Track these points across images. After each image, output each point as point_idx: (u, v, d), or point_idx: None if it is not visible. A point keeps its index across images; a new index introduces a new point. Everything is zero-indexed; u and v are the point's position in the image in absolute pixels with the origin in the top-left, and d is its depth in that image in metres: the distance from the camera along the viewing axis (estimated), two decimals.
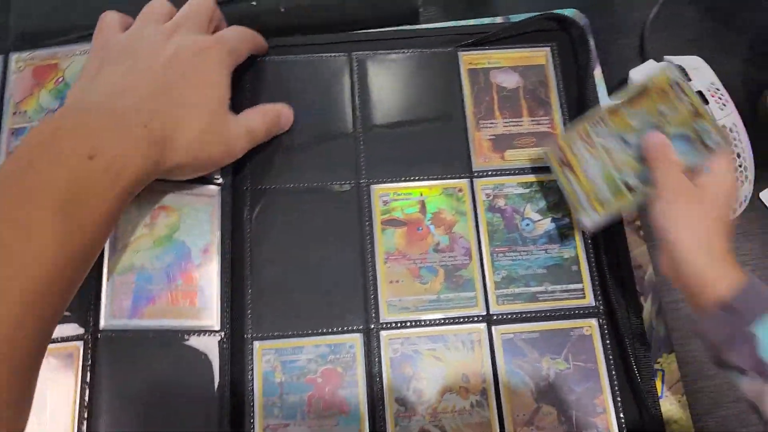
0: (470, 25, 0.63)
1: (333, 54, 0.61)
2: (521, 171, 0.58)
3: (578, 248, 0.55)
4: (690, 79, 0.57)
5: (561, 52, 0.62)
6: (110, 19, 0.52)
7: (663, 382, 0.54)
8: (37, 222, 0.38)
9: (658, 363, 0.54)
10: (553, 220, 0.56)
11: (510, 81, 0.60)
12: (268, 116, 0.55)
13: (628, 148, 0.50)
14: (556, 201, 0.56)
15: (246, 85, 0.59)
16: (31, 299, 0.38)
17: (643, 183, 0.49)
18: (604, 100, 0.60)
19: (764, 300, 0.42)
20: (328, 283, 0.54)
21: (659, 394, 0.53)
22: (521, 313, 0.54)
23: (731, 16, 0.67)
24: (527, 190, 0.57)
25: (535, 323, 0.54)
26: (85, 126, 0.42)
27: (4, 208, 0.39)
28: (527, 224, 0.56)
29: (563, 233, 0.56)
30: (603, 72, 0.62)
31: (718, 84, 0.58)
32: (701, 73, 0.58)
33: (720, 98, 0.56)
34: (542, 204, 0.57)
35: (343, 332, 0.53)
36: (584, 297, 0.54)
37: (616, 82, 0.63)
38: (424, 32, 0.63)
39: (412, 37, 0.62)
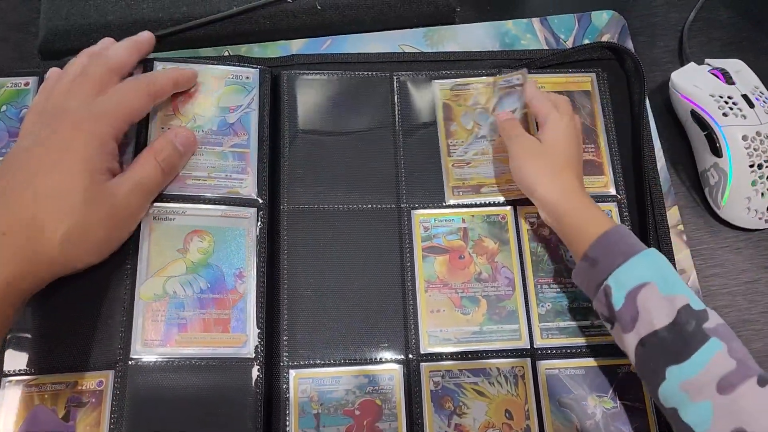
0: (518, 50, 0.62)
1: (375, 73, 0.59)
2: None
3: None
4: (734, 83, 0.57)
5: (611, 78, 0.60)
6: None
7: None
8: None
9: None
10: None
11: None
12: (161, 153, 0.49)
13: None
14: None
15: (283, 98, 0.57)
16: None
17: None
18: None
19: (620, 252, 0.45)
20: (367, 311, 0.52)
21: None
22: (566, 348, 0.52)
23: None
24: None
25: (581, 359, 0.52)
26: None
27: None
28: (571, 255, 0.54)
29: None
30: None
31: (762, 87, 0.57)
32: (744, 76, 0.58)
33: (766, 101, 0.55)
34: None
35: (382, 362, 0.51)
36: None
37: (655, 85, 0.62)
38: (470, 56, 0.61)
39: (459, 60, 0.61)
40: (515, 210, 0.56)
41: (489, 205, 0.56)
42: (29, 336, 0.48)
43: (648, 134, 0.58)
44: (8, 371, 0.48)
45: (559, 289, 0.53)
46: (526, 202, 0.55)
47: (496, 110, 0.58)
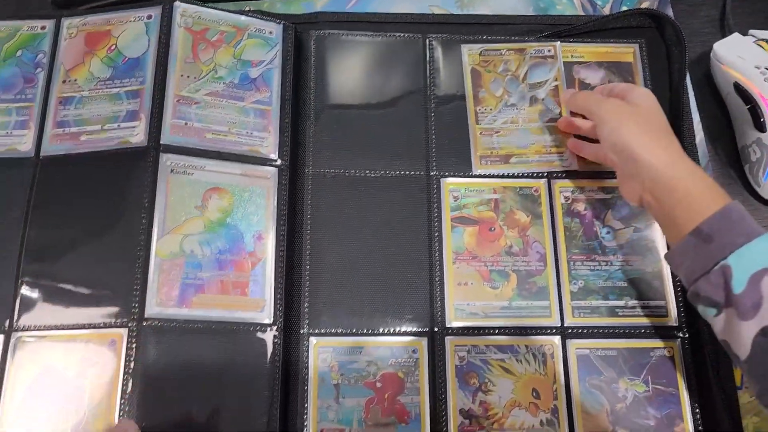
0: (554, 15, 0.59)
1: (407, 35, 0.56)
2: (603, 174, 0.53)
3: (662, 262, 0.51)
4: None
5: (650, 48, 0.57)
6: None
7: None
8: None
9: None
10: (636, 230, 0.52)
11: (594, 77, 0.56)
12: None
13: None
14: (640, 210, 0.52)
15: (311, 59, 0.55)
16: None
17: None
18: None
19: (742, 231, 0.40)
20: (392, 281, 0.50)
21: (739, 386, 0.49)
22: (599, 327, 0.50)
23: None
24: (609, 196, 0.53)
25: (613, 340, 0.49)
26: None
27: None
28: (607, 232, 0.52)
29: (646, 245, 0.52)
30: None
31: None
32: None
33: None
34: (625, 211, 0.52)
35: (406, 334, 0.49)
36: (667, 315, 0.50)
37: (695, 56, 0.59)
38: (503, 19, 0.59)
39: (491, 24, 0.58)
40: (549, 183, 0.53)
41: (522, 176, 0.53)
42: (42, 293, 0.46)
43: (687, 107, 0.56)
44: (21, 327, 0.46)
45: (592, 267, 0.51)
46: (561, 175, 0.53)
47: (527, 79, 0.55)
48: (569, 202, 0.53)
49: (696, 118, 0.57)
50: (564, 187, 0.53)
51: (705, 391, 0.49)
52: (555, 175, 0.53)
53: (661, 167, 0.44)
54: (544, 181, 0.53)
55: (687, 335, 0.49)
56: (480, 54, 0.57)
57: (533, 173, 0.53)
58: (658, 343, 0.49)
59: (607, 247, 0.52)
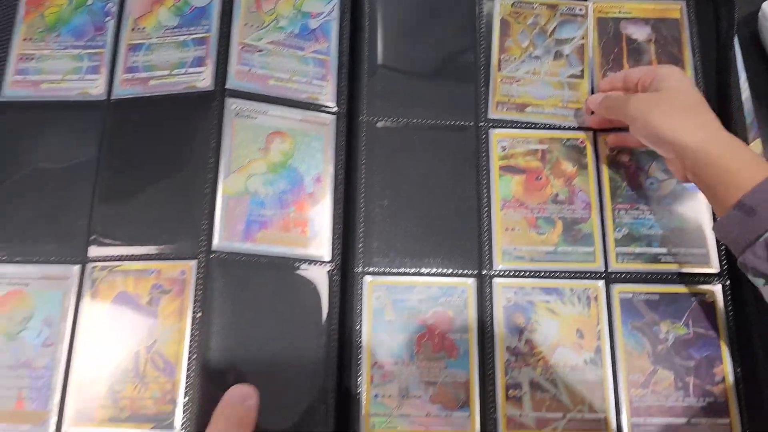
0: None
1: None
2: None
3: (704, 211, 0.53)
4: None
5: (698, 5, 0.58)
6: None
7: None
8: None
9: None
10: (679, 181, 0.53)
11: (641, 33, 0.58)
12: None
13: None
14: None
15: (365, 8, 0.57)
16: None
17: None
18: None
19: None
20: (442, 224, 0.52)
21: None
22: (642, 273, 0.51)
23: None
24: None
25: (656, 285, 0.51)
26: None
27: None
28: (651, 183, 0.54)
29: (689, 195, 0.53)
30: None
31: None
32: None
33: None
34: None
35: (455, 275, 0.51)
36: (708, 263, 0.52)
37: (743, 15, 0.60)
38: None
39: None
40: (595, 135, 0.55)
41: (568, 129, 0.55)
42: (115, 225, 0.49)
43: (734, 64, 0.57)
44: (96, 257, 0.49)
45: (636, 215, 0.53)
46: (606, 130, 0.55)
47: (554, 34, 0.57)
48: (614, 153, 0.54)
49: (742, 77, 0.58)
50: (608, 140, 0.55)
51: (744, 335, 0.50)
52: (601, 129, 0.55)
53: (698, 147, 0.44)
54: (590, 133, 0.55)
55: (728, 282, 0.51)
56: (512, 5, 0.58)
57: (545, 125, 0.55)
58: (699, 288, 0.51)
59: (651, 196, 0.53)
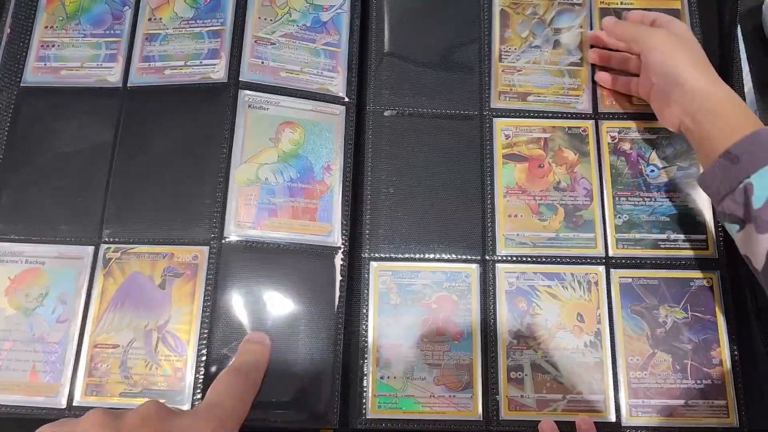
0: None
1: None
2: (649, 116, 0.56)
3: (704, 198, 0.54)
4: None
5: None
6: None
7: None
8: None
9: None
10: (680, 168, 0.55)
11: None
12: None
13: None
14: (684, 149, 0.55)
15: (372, 4, 0.58)
16: None
17: None
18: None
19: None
20: (447, 211, 0.54)
21: None
22: (641, 258, 0.53)
23: None
24: (654, 136, 0.56)
25: (655, 270, 0.53)
26: None
27: None
28: (652, 170, 0.55)
29: (689, 182, 0.54)
30: None
31: None
32: None
33: None
34: (669, 151, 0.55)
35: (459, 261, 0.52)
36: (707, 248, 0.53)
37: (746, 8, 0.61)
38: None
39: None
40: (597, 124, 0.56)
41: (571, 117, 0.56)
42: (130, 209, 0.51)
43: (737, 56, 0.58)
44: (110, 239, 0.51)
45: (637, 202, 0.54)
46: (608, 116, 0.56)
47: (552, 23, 0.58)
48: (616, 141, 0.56)
49: (745, 68, 0.59)
50: (611, 128, 0.56)
51: (742, 320, 0.52)
52: (603, 115, 0.56)
53: (705, 92, 0.48)
54: (591, 122, 0.56)
55: (726, 267, 0.52)
56: None
57: (548, 113, 0.56)
58: (698, 273, 0.52)
59: (652, 184, 0.55)
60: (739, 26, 0.59)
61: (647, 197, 0.54)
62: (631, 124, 0.56)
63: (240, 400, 0.44)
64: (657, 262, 0.53)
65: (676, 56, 0.49)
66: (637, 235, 0.53)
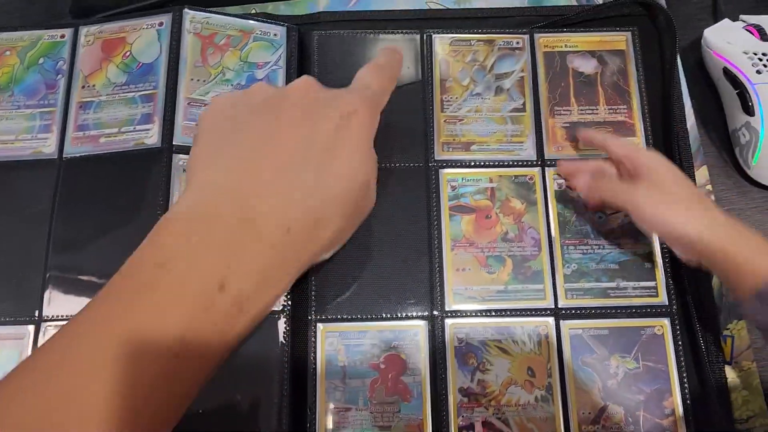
0: (547, 7, 0.61)
1: (405, 31, 0.59)
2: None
3: (653, 244, 0.53)
4: None
5: (642, 37, 0.59)
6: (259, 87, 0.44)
7: (732, 348, 0.52)
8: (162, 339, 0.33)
9: (728, 330, 0.53)
10: (626, 215, 0.54)
11: (587, 66, 0.58)
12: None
13: None
14: None
15: (313, 57, 0.58)
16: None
17: None
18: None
19: None
20: (394, 268, 0.53)
21: (728, 360, 0.52)
22: (591, 308, 0.52)
23: None
24: None
25: (605, 320, 0.52)
26: (218, 245, 0.36)
27: (127, 314, 0.33)
28: (600, 217, 0.54)
29: (637, 229, 0.53)
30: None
31: None
32: None
33: None
34: None
35: (407, 318, 0.52)
36: (657, 295, 0.52)
37: (687, 43, 0.61)
38: (498, 12, 0.61)
39: (487, 17, 0.60)
40: (543, 171, 0.55)
41: (517, 165, 0.56)
42: (68, 284, 0.50)
43: (678, 92, 0.58)
44: (50, 317, 0.50)
45: (585, 251, 0.53)
46: (553, 163, 0.55)
47: (493, 69, 0.58)
48: (562, 188, 0.55)
49: (688, 104, 0.59)
50: (557, 175, 0.55)
51: (694, 367, 0.51)
52: (548, 162, 0.56)
53: (707, 237, 0.44)
54: (537, 169, 0.56)
55: (676, 314, 0.52)
56: (450, 44, 0.59)
57: (497, 162, 0.56)
58: (648, 321, 0.52)
59: (600, 231, 0.54)
60: (680, 63, 0.59)
61: (596, 245, 0.54)
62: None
63: (383, 89, 0.46)
64: (607, 312, 0.52)
65: (665, 213, 0.47)
66: (587, 285, 0.53)
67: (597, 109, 0.57)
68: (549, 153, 0.56)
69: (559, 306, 0.52)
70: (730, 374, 0.51)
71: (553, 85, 0.58)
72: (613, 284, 0.53)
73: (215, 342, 0.35)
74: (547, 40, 0.59)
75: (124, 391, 0.30)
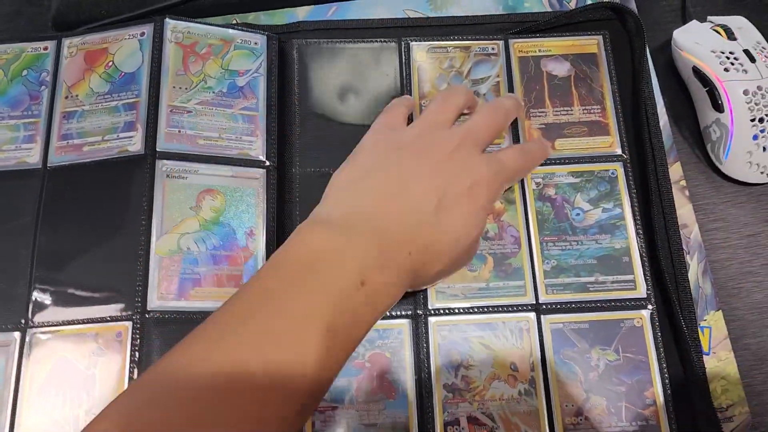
0: (521, 13, 0.62)
1: (383, 40, 0.60)
2: (571, 160, 0.57)
3: (630, 239, 0.54)
4: (735, 38, 0.57)
5: (614, 40, 0.61)
6: (397, 111, 0.55)
7: (710, 339, 0.53)
8: (303, 344, 0.38)
9: (705, 321, 0.54)
10: (604, 210, 0.55)
11: (561, 69, 0.60)
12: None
13: None
14: (608, 191, 0.56)
15: (294, 66, 0.59)
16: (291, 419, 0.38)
17: None
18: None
19: None
20: None
21: (706, 351, 0.53)
22: (571, 303, 0.53)
23: None
24: (578, 180, 0.56)
25: (585, 314, 0.53)
26: (356, 250, 0.42)
27: (266, 325, 0.38)
28: (577, 214, 0.55)
29: (614, 224, 0.55)
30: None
31: (764, 42, 0.58)
32: (747, 33, 0.59)
33: (767, 57, 0.56)
34: (593, 194, 0.56)
35: (391, 317, 0.52)
36: (635, 288, 0.53)
37: (658, 44, 0.63)
38: (473, 20, 0.62)
39: (462, 24, 0.62)
40: None
41: None
42: (54, 292, 0.50)
43: (649, 92, 0.59)
44: (35, 323, 0.50)
45: (564, 247, 0.54)
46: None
47: (470, 75, 0.59)
48: (540, 187, 0.56)
49: (660, 103, 0.60)
50: (535, 174, 0.56)
51: (673, 358, 0.52)
52: None
53: None
54: None
55: (654, 306, 0.53)
56: (427, 51, 0.60)
57: None
58: (627, 314, 0.53)
59: (578, 227, 0.55)
60: (651, 63, 0.61)
61: (574, 241, 0.55)
62: (555, 169, 0.57)
63: (518, 171, 0.54)
64: (587, 306, 0.53)
65: None
66: (566, 280, 0.54)
67: (572, 110, 0.58)
68: None
69: (540, 301, 0.53)
70: (709, 364, 0.52)
71: (528, 89, 0.59)
72: (592, 279, 0.53)
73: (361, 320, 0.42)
74: (522, 46, 0.61)
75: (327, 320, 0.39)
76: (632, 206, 0.55)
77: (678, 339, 0.52)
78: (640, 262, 0.54)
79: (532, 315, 0.53)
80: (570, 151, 0.57)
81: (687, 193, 0.57)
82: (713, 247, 0.56)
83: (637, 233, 0.55)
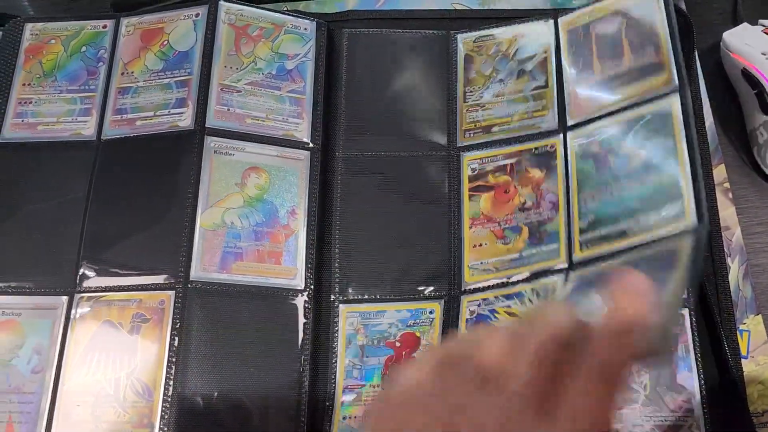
0: (569, 9, 0.62)
1: (431, 31, 0.61)
2: (615, 111, 0.52)
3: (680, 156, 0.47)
4: None
5: None
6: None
7: (748, 342, 0.53)
8: None
9: (744, 324, 0.53)
10: (648, 149, 0.50)
11: (610, 27, 0.55)
12: None
13: None
14: (658, 128, 0.50)
15: (342, 54, 0.60)
16: None
17: None
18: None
19: None
20: (413, 251, 0.54)
21: (744, 355, 0.52)
22: (604, 255, 0.48)
23: None
24: (625, 127, 0.52)
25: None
26: None
27: None
28: (621, 160, 0.50)
29: (660, 156, 0.49)
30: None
31: None
32: None
33: None
34: (640, 137, 0.51)
35: (425, 299, 0.53)
36: (684, 217, 0.45)
37: (706, 47, 0.62)
38: (524, 14, 0.61)
39: (510, 18, 0.61)
40: (565, 137, 0.54)
41: (536, 138, 0.55)
42: (102, 259, 0.52)
43: (696, 92, 0.58)
44: (83, 288, 0.51)
45: (603, 197, 0.50)
46: (573, 127, 0.54)
47: (516, 56, 0.59)
48: (584, 146, 0.53)
49: (706, 104, 0.60)
50: (579, 136, 0.54)
51: (714, 359, 0.51)
52: (570, 128, 0.54)
53: None
54: (559, 136, 0.54)
55: (693, 308, 0.51)
56: (474, 41, 0.61)
57: (515, 137, 0.56)
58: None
59: (619, 175, 0.50)
60: (699, 65, 0.60)
61: (616, 187, 0.50)
62: (598, 125, 0.53)
63: None
64: (626, 253, 0.47)
65: None
66: (603, 231, 0.49)
67: (621, 61, 0.54)
68: (571, 119, 0.55)
69: (573, 261, 0.50)
70: (747, 368, 0.51)
71: (575, 58, 0.57)
72: (633, 221, 0.48)
73: None
74: (571, 18, 0.58)
75: None
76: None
77: (715, 341, 0.52)
78: (692, 187, 0.46)
79: (561, 277, 0.50)
80: (616, 104, 0.52)
81: (730, 195, 0.57)
82: (755, 251, 0.56)
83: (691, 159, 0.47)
